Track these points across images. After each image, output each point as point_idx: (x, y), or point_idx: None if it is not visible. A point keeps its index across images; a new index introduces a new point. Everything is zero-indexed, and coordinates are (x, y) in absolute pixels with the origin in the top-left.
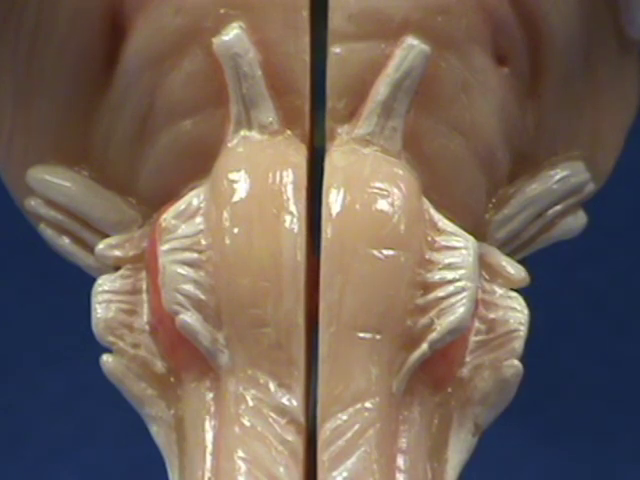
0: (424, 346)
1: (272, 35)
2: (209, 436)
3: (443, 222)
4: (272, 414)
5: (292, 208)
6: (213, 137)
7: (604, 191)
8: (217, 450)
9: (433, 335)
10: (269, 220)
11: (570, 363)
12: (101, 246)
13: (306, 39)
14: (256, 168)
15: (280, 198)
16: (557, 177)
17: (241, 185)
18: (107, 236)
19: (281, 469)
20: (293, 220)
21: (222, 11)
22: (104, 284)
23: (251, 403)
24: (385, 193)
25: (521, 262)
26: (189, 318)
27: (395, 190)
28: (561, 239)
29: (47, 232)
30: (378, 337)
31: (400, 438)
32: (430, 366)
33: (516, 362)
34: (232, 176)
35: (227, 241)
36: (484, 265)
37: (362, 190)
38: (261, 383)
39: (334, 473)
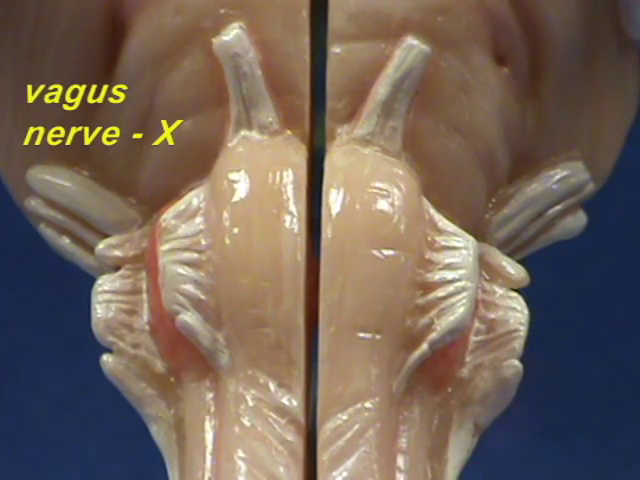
0: (424, 346)
1: (272, 35)
2: (209, 436)
3: (443, 222)
4: (272, 414)
5: (292, 208)
6: (213, 137)
7: (604, 191)
8: (217, 450)
9: (433, 335)
10: (269, 220)
11: (570, 363)
12: (101, 246)
13: (306, 39)
14: (256, 168)
15: (280, 198)
16: (557, 177)
17: (241, 185)
18: (107, 236)
19: (281, 469)
20: (293, 220)
21: (222, 11)
22: (104, 284)
23: (251, 403)
24: (385, 193)
25: (521, 262)
26: (189, 318)
27: (395, 190)
28: (561, 239)
29: (47, 232)
30: (378, 337)
31: (400, 438)
32: (430, 366)
33: (516, 362)
34: (232, 176)
35: (227, 241)
36: (484, 265)
37: (362, 190)
38: (261, 383)
39: (334, 473)
